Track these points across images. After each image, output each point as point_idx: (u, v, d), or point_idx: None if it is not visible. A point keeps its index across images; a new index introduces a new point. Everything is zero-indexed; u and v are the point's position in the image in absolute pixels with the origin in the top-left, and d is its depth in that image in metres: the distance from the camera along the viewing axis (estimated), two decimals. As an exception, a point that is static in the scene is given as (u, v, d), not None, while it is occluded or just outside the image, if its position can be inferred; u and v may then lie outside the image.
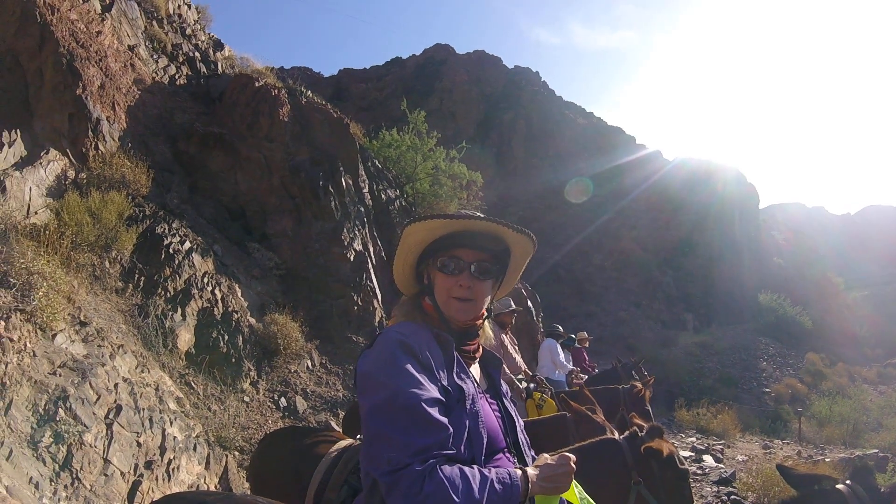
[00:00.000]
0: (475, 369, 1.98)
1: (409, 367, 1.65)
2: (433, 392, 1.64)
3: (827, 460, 12.28)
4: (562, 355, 9.67)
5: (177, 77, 12.35)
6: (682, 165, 50.92)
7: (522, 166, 45.68)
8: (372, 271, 11.36)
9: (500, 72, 53.74)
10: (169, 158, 10.47)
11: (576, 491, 1.86)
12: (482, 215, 1.91)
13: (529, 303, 16.45)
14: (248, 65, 14.87)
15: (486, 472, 1.60)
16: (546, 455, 1.81)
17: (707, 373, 28.86)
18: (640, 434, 3.14)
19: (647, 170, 47.58)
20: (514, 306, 7.74)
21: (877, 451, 13.52)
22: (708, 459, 11.89)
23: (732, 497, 8.76)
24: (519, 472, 1.67)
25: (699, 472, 10.64)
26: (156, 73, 11.65)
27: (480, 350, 2.03)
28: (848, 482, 2.21)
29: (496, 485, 1.57)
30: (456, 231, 1.89)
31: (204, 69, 13.46)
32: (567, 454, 1.79)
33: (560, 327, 10.74)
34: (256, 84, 12.00)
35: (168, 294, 7.82)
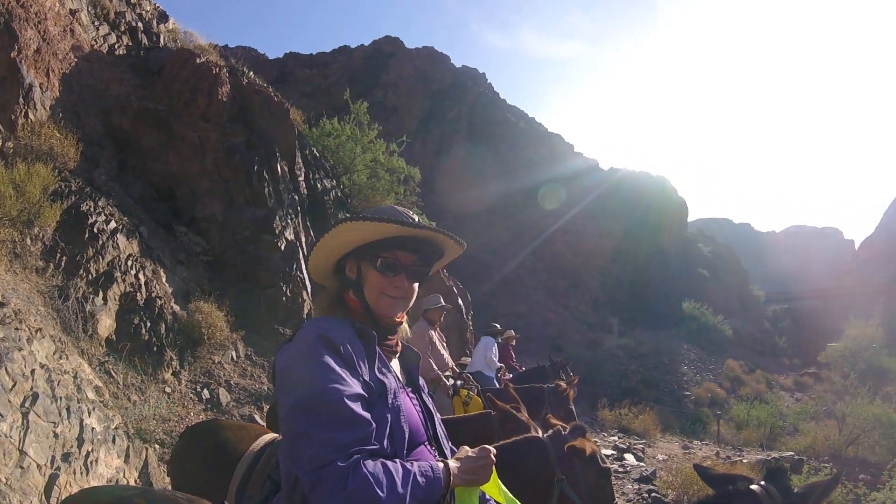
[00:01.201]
0: (395, 364, 1.97)
1: (331, 362, 1.62)
2: (355, 387, 1.62)
3: (744, 461, 12.72)
4: (495, 353, 9.77)
5: (117, 47, 11.67)
6: (617, 176, 52.39)
7: (461, 165, 45.93)
8: (303, 262, 11.04)
9: (447, 70, 53.79)
10: (100, 132, 9.94)
11: (499, 485, 1.88)
12: (433, 226, 1.93)
13: (460, 301, 16.53)
14: (191, 40, 14.19)
15: (408, 465, 1.61)
16: (467, 448, 1.83)
17: (630, 375, 29.58)
18: (563, 433, 3.18)
19: (583, 178, 48.66)
20: (443, 303, 7.73)
21: (793, 453, 14.19)
22: (629, 458, 12.15)
23: (653, 495, 8.99)
24: (441, 464, 1.69)
25: (621, 470, 10.85)
26: (95, 40, 11.00)
27: (400, 345, 2.02)
28: (762, 483, 2.26)
29: (419, 478, 1.58)
30: (403, 234, 1.89)
31: (145, 41, 12.74)
32: (487, 447, 1.81)
33: (498, 325, 10.87)
34: (198, 60, 11.50)
35: (90, 276, 7.41)
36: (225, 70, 11.99)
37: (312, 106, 23.48)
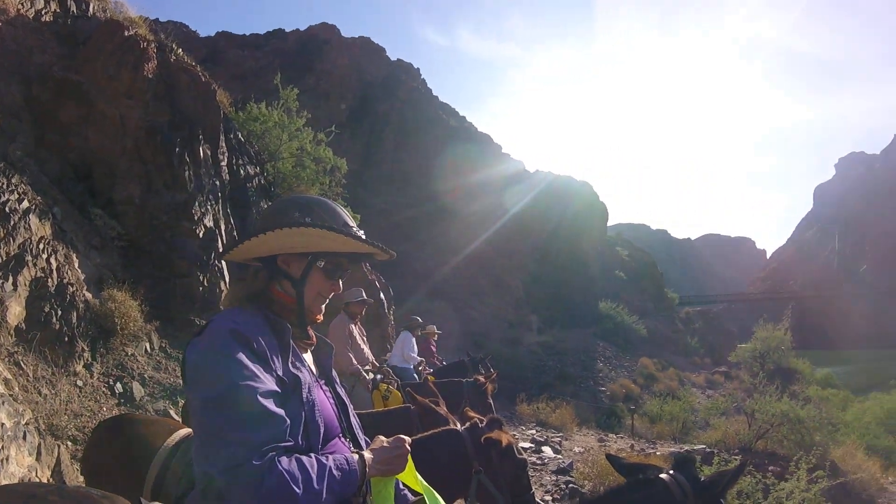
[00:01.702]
0: (308, 356, 1.97)
1: (243, 357, 1.60)
2: (268, 384, 1.60)
3: (658, 453, 13.14)
4: (414, 348, 9.81)
5: (44, 12, 10.81)
6: (542, 178, 53.60)
7: (390, 159, 45.80)
8: (221, 251, 10.52)
9: (381, 62, 53.44)
10: (19, 103, 9.28)
11: (415, 475, 1.92)
12: (380, 245, 1.93)
13: (382, 295, 16.47)
14: (121, 11, 13.34)
15: (323, 459, 1.61)
16: (382, 438, 1.85)
17: (548, 371, 30.08)
18: (480, 425, 3.27)
19: (509, 178, 49.36)
20: (365, 297, 7.69)
21: (704, 446, 14.79)
22: (547, 450, 12.43)
23: (570, 486, 9.22)
24: (356, 456, 1.71)
25: (539, 462, 11.07)
26: (22, 3, 10.25)
27: (314, 337, 2.02)
28: (671, 472, 2.34)
29: (335, 472, 1.60)
30: (362, 251, 1.93)
31: (74, 8, 11.85)
32: (402, 437, 1.84)
33: (419, 318, 10.89)
34: (126, 33, 10.82)
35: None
36: (153, 45, 11.32)
37: (241, 88, 22.84)
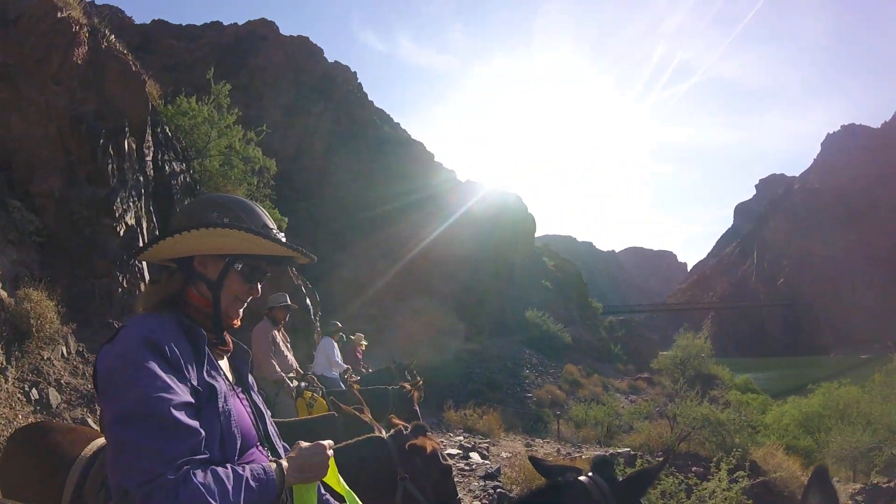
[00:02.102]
0: (224, 363, 1.92)
1: (156, 367, 1.55)
2: (183, 395, 1.56)
3: (583, 457, 13.48)
4: (338, 354, 9.69)
5: None
6: (473, 188, 53.92)
7: (321, 162, 45.29)
8: (136, 250, 10.05)
9: (319, 63, 52.83)
10: None
11: (338, 479, 1.92)
12: (300, 248, 1.90)
13: (308, 301, 16.24)
14: None
15: (240, 470, 1.57)
16: (302, 443, 1.80)
17: (475, 377, 30.30)
18: (405, 432, 3.28)
19: (440, 187, 49.58)
20: (289, 302, 7.56)
21: (628, 449, 15.21)
22: (475, 456, 12.49)
23: (498, 490, 9.29)
24: (273, 465, 1.66)
25: (467, 468, 11.13)
26: None
27: (231, 343, 1.98)
28: (590, 474, 2.35)
29: (252, 482, 1.56)
30: (280, 254, 1.89)
31: None
32: (322, 442, 1.80)
33: (339, 323, 10.75)
34: (58, 15, 10.09)
35: (-87, 253, 6.47)
36: (86, 29, 10.70)
37: (173, 80, 21.91)
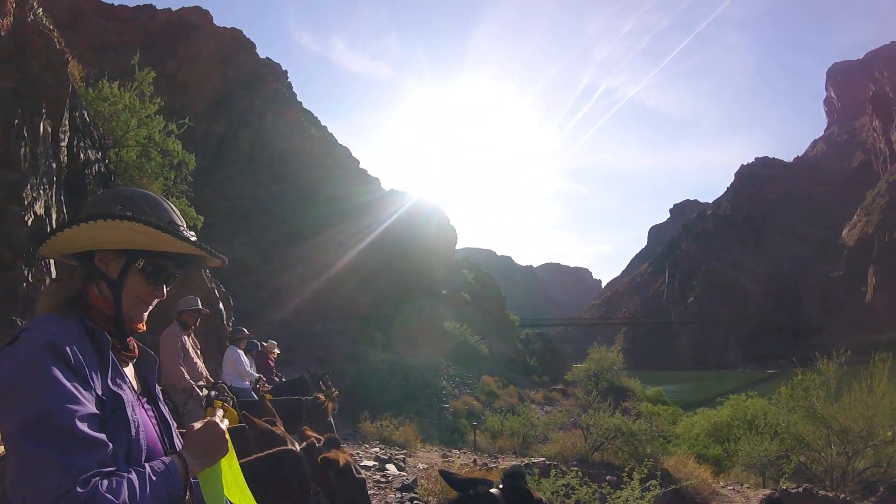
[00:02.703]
0: (129, 370, 1.80)
1: (60, 375, 1.45)
2: (89, 405, 1.47)
3: (500, 467, 13.33)
4: (246, 363, 9.23)
5: None
6: (397, 198, 53.87)
7: (244, 159, 44.24)
8: (35, 244, 9.32)
9: (249, 58, 51.77)
10: None
11: (248, 494, 1.87)
12: (208, 248, 1.78)
13: (221, 305, 15.57)
14: None
15: (141, 469, 1.50)
16: (193, 425, 1.70)
17: (392, 388, 30.12)
18: (317, 445, 3.21)
19: (364, 194, 49.28)
20: (200, 306, 7.20)
21: (544, 459, 15.29)
22: (391, 468, 12.30)
23: (415, 502, 9.21)
24: (172, 457, 1.61)
25: (383, 480, 10.94)
26: None
27: (137, 349, 1.85)
28: (501, 486, 2.38)
29: (154, 477, 1.50)
30: (186, 252, 1.77)
31: None
32: (213, 419, 1.72)
33: (245, 330, 10.25)
34: None
35: None
36: (13, 1, 10.06)
37: (98, 62, 20.69)
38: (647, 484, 10.07)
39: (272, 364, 11.90)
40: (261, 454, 3.20)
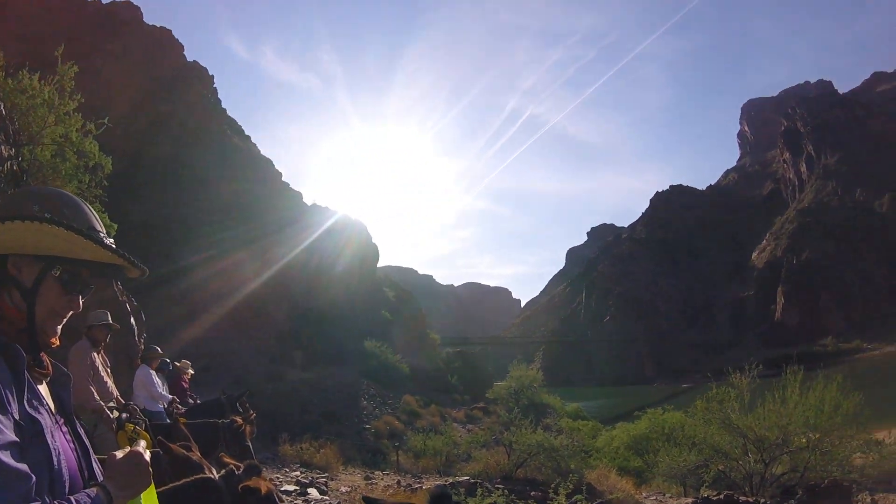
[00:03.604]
0: (43, 389, 1.64)
1: None
2: (7, 432, 1.34)
3: (424, 487, 13.41)
4: (158, 384, 8.74)
5: None
6: (319, 212, 53.09)
7: (163, 165, 42.56)
8: None
9: (176, 59, 50.12)
10: None
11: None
12: (130, 257, 1.62)
13: (133, 320, 14.85)
14: None
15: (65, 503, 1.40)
16: (115, 454, 1.57)
17: (312, 409, 29.61)
18: (237, 472, 3.01)
19: (286, 208, 48.40)
20: (110, 321, 6.75)
21: (468, 477, 15.43)
22: (313, 492, 12.04)
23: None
24: (95, 489, 1.49)
25: (305, 504, 10.57)
26: None
27: (49, 366, 1.68)
28: None
29: None
30: (106, 261, 1.63)
31: None
32: (137, 448, 1.64)
33: (158, 349, 9.73)
34: None
35: None
36: None
37: (20, 51, 19.48)
38: (574, 499, 10.08)
39: (186, 385, 11.31)
40: (177, 483, 2.94)
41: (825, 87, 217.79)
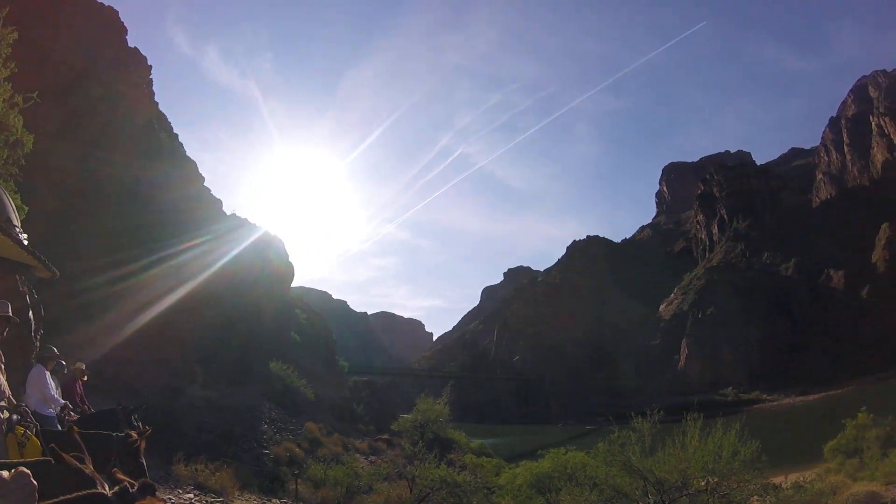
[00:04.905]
0: None
1: None
2: None
3: None
4: (52, 387, 8.19)
5: None
6: (236, 222, 51.78)
7: (84, 151, 40.34)
8: None
9: (118, 43, 47.41)
10: None
11: None
12: (43, 259, 1.41)
13: (31, 314, 13.98)
14: None
15: None
16: (3, 474, 1.65)
17: (210, 428, 28.48)
18: (131, 490, 2.88)
19: (207, 219, 46.91)
20: (10, 312, 6.30)
21: None
22: None
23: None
24: None
25: (198, 529, 10.17)
26: None
27: None
28: None
29: None
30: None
31: None
32: (24, 469, 1.69)
33: (55, 349, 9.15)
34: None
35: None
36: None
37: None
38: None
39: (80, 391, 10.58)
40: (68, 497, 2.64)
41: (744, 157, 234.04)
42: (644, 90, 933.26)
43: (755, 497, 14.90)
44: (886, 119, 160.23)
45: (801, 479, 20.44)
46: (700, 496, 14.09)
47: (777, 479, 18.89)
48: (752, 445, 14.55)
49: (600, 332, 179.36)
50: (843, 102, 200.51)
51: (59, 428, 7.07)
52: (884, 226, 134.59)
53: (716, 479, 13.82)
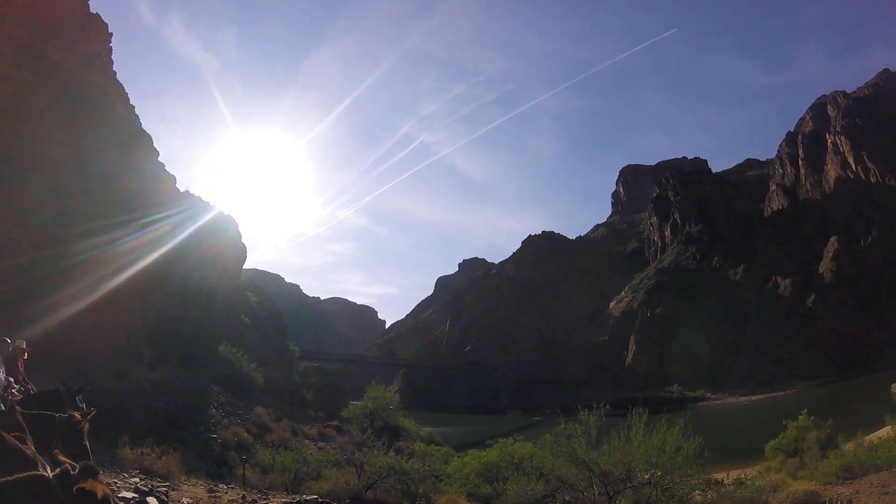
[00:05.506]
0: None
1: None
2: None
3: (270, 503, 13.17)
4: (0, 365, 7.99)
5: None
6: (187, 201, 50.68)
7: (37, 115, 38.71)
8: None
9: (75, 9, 45.30)
10: None
11: None
12: None
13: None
14: None
15: None
16: None
17: (156, 411, 27.92)
18: (72, 472, 2.89)
19: (159, 193, 45.89)
20: None
21: (316, 496, 15.40)
22: (153, 501, 11.34)
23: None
24: None
25: (143, 514, 10.00)
26: None
27: None
28: None
29: None
30: None
31: None
32: None
33: None
34: None
35: None
36: None
37: None
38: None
39: (21, 369, 10.25)
40: (7, 478, 2.72)
41: (700, 164, 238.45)
42: (608, 91, 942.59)
43: (697, 491, 15.30)
44: (842, 138, 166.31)
45: (743, 475, 21.11)
46: (643, 489, 14.37)
47: (719, 475, 19.51)
48: (696, 441, 14.93)
49: (552, 325, 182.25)
50: (802, 119, 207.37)
51: (2, 407, 6.88)
52: (832, 238, 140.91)
53: (659, 473, 14.13)
